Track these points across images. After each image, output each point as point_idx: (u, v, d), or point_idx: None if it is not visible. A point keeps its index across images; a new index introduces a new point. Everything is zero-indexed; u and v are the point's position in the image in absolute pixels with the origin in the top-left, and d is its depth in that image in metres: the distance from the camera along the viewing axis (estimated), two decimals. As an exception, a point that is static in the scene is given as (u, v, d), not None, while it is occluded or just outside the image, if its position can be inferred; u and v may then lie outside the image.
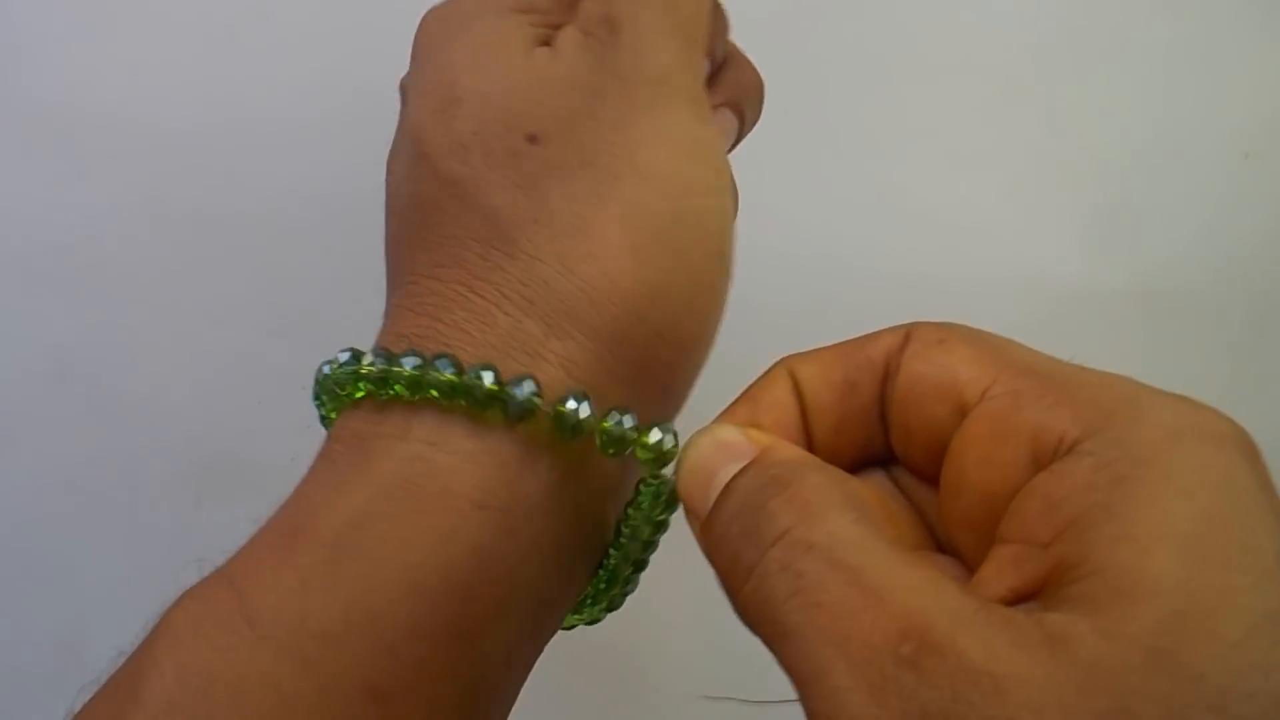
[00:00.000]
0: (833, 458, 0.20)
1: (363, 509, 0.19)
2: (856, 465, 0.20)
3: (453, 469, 0.20)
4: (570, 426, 0.19)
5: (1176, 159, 0.43)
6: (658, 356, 0.21)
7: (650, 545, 0.22)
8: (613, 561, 0.22)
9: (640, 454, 0.20)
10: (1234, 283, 0.43)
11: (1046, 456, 0.17)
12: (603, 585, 0.23)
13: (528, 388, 0.19)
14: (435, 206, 0.22)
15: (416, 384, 0.19)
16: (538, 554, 0.20)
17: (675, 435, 0.20)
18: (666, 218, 0.21)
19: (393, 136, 0.26)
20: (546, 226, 0.21)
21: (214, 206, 0.37)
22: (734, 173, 0.24)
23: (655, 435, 0.20)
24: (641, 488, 0.21)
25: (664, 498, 0.20)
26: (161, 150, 0.37)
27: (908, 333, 0.20)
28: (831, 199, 0.41)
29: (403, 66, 0.40)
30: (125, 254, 0.37)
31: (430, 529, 0.19)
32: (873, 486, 0.20)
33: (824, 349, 0.20)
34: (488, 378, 0.19)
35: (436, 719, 0.19)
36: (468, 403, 0.19)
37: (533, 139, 0.21)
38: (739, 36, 0.37)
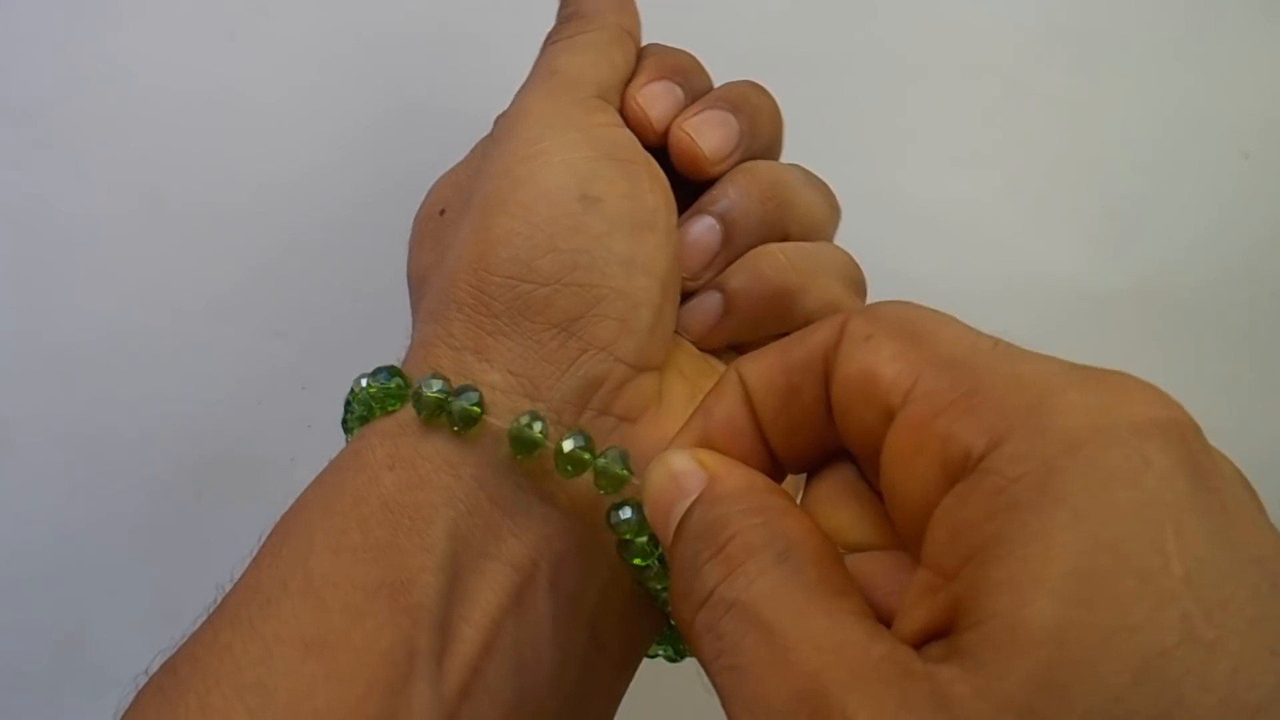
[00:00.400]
0: (793, 458, 0.20)
1: (305, 496, 0.22)
2: (823, 457, 0.20)
3: (369, 445, 0.23)
4: (427, 404, 0.22)
5: (1177, 159, 0.43)
6: (524, 296, 0.23)
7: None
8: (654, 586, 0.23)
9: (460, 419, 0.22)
10: (1234, 283, 0.43)
11: (956, 472, 0.16)
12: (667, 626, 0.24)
13: (434, 384, 0.22)
14: (411, 281, 0.28)
15: (365, 401, 0.23)
16: (454, 502, 0.22)
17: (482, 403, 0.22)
18: (506, 186, 0.25)
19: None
20: (441, 261, 0.25)
21: (214, 206, 0.37)
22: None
23: (470, 397, 0.22)
24: (614, 520, 0.23)
25: (632, 530, 0.22)
26: (161, 150, 0.37)
27: (841, 326, 0.19)
28: (831, 199, 0.41)
29: (402, 66, 0.39)
30: (125, 253, 0.37)
31: (349, 492, 0.22)
32: (830, 486, 0.20)
33: (768, 349, 0.20)
34: (375, 380, 0.23)
35: (382, 670, 0.20)
36: (383, 404, 0.23)
37: (441, 213, 0.27)
38: (739, 35, 0.37)
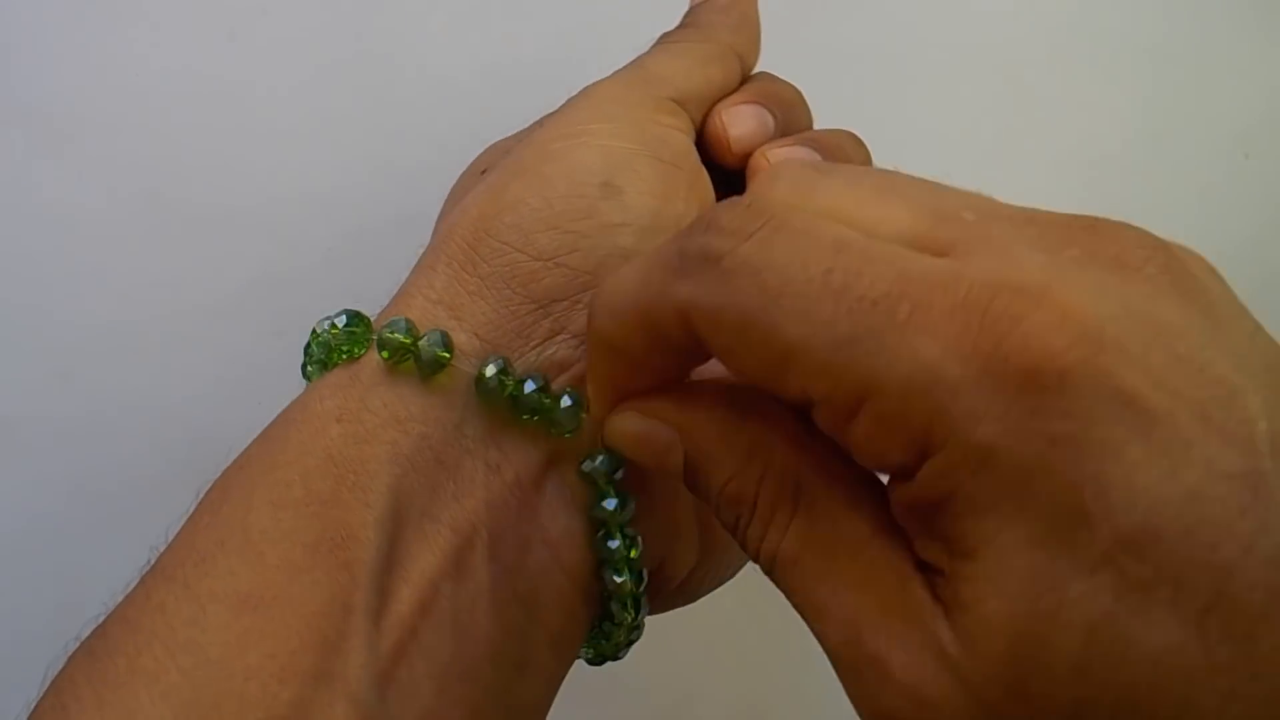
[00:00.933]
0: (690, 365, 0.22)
1: (249, 451, 0.22)
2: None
3: (319, 396, 0.22)
4: (388, 344, 0.22)
5: (1177, 159, 0.43)
6: (513, 265, 0.23)
7: (628, 548, 0.23)
8: (609, 554, 0.23)
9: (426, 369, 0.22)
10: (1234, 283, 0.43)
11: (890, 468, 0.18)
12: (613, 610, 0.24)
13: (400, 325, 0.22)
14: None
15: (325, 344, 0.23)
16: (399, 459, 0.22)
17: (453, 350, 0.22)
18: (535, 157, 0.25)
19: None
20: (450, 214, 0.25)
21: (214, 206, 0.37)
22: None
23: (435, 339, 0.22)
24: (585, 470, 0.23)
25: (605, 479, 0.23)
26: (161, 150, 0.37)
27: (685, 317, 0.19)
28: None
29: (402, 66, 0.39)
30: (125, 253, 0.37)
31: (294, 444, 0.21)
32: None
33: (618, 306, 0.21)
34: (336, 321, 0.23)
35: (317, 626, 0.19)
36: (342, 349, 0.23)
37: (483, 173, 0.27)
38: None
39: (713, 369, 0.22)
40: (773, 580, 0.21)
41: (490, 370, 0.22)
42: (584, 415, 0.23)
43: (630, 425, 0.22)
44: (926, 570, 0.18)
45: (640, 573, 0.24)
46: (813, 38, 0.41)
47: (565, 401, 0.23)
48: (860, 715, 0.19)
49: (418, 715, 0.20)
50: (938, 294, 0.17)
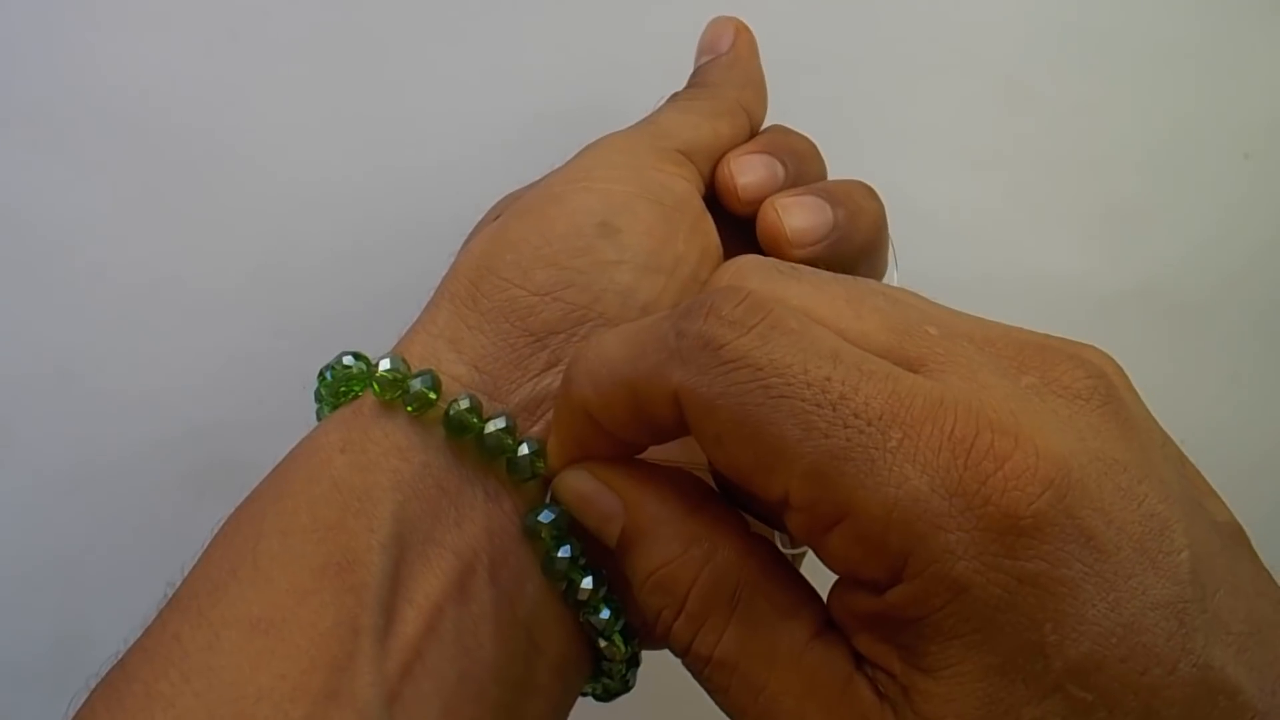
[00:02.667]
0: (659, 439, 0.22)
1: (260, 487, 0.22)
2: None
3: (324, 431, 0.23)
4: (381, 381, 0.23)
5: (1178, 159, 0.43)
6: (512, 300, 0.24)
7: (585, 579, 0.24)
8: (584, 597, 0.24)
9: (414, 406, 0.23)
10: (1235, 283, 0.43)
11: (862, 580, 0.19)
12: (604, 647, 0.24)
13: (383, 364, 0.23)
14: None
15: (332, 388, 0.24)
16: (401, 486, 0.22)
17: (433, 383, 0.23)
18: (538, 200, 0.26)
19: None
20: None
21: (214, 206, 0.37)
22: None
23: (423, 381, 0.23)
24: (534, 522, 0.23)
25: (555, 533, 0.23)
26: (162, 149, 0.37)
27: (675, 399, 0.20)
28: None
29: (402, 66, 0.40)
30: (125, 254, 0.37)
31: (301, 475, 0.22)
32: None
33: (604, 372, 0.21)
34: (342, 360, 0.23)
35: (326, 647, 0.20)
36: (347, 387, 0.24)
37: (496, 217, 0.27)
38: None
39: (666, 451, 0.23)
40: (699, 677, 0.21)
41: (458, 407, 0.23)
42: (540, 466, 0.23)
43: (580, 484, 0.23)
44: (866, 665, 0.20)
45: (621, 620, 0.24)
46: (812, 39, 0.41)
47: (523, 449, 0.23)
48: None
49: None
50: (927, 424, 0.18)
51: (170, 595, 0.21)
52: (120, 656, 0.21)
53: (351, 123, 0.38)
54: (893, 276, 0.31)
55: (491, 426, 0.23)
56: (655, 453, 0.23)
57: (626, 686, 0.25)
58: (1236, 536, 0.21)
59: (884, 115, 0.42)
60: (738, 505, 0.23)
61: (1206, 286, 0.43)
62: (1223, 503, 0.21)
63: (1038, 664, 0.17)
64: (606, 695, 0.25)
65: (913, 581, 0.18)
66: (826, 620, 0.21)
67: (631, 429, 0.21)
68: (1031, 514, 0.17)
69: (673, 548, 0.21)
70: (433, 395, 0.23)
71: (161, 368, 0.37)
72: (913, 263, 0.42)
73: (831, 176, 0.31)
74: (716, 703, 0.21)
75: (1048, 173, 0.42)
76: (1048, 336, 0.21)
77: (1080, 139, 0.42)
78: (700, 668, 0.21)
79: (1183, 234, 0.43)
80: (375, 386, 0.23)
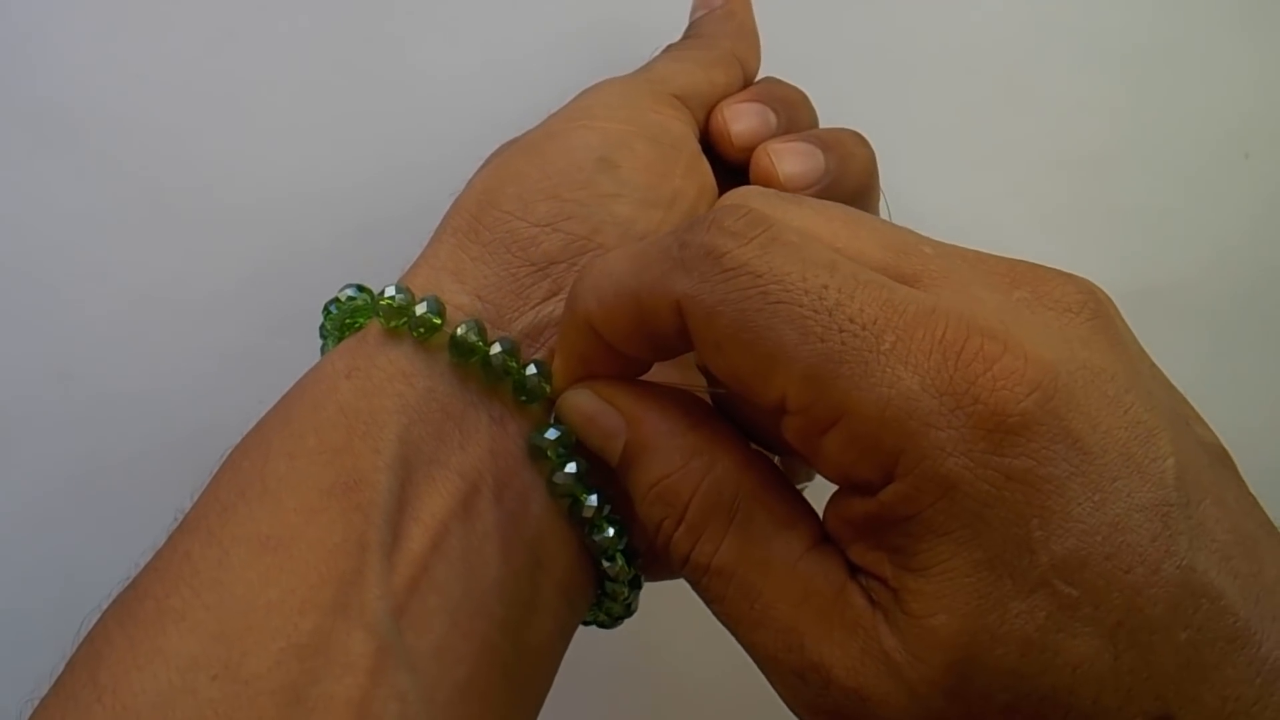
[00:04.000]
0: (663, 353, 0.23)
1: (268, 414, 0.23)
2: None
3: (330, 359, 0.23)
4: (384, 310, 0.23)
5: (1176, 159, 0.43)
6: (513, 231, 0.25)
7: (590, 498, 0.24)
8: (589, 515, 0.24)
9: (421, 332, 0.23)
10: (1234, 282, 0.43)
11: (856, 483, 0.19)
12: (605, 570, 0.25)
13: (388, 292, 0.23)
14: None
15: (337, 321, 0.24)
16: (406, 409, 0.23)
17: (438, 307, 0.23)
18: (538, 137, 0.26)
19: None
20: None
21: (214, 205, 0.37)
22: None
23: (428, 306, 0.23)
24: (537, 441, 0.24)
25: (559, 450, 0.24)
26: (161, 149, 0.37)
27: (678, 307, 0.20)
28: (832, 199, 0.41)
29: (402, 66, 0.39)
30: (125, 253, 0.37)
31: (307, 401, 0.22)
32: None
33: (607, 284, 0.22)
34: (344, 293, 0.24)
35: (334, 563, 0.20)
36: (352, 318, 0.24)
37: (489, 161, 0.28)
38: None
39: (666, 375, 0.24)
40: (697, 587, 0.22)
41: (463, 330, 0.23)
42: (546, 387, 0.24)
43: (583, 402, 0.23)
44: (859, 575, 0.20)
45: (625, 539, 0.25)
46: (811, 39, 0.41)
47: (530, 370, 0.24)
48: (799, 713, 0.21)
49: (431, 645, 0.21)
50: (919, 329, 0.18)
51: (179, 520, 0.22)
52: (132, 578, 0.21)
53: (352, 122, 0.38)
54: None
55: (496, 349, 0.23)
56: (656, 377, 0.24)
57: (629, 611, 0.26)
58: (1223, 458, 0.21)
59: (884, 115, 0.42)
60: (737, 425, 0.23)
61: (1207, 287, 0.43)
62: (1209, 428, 0.22)
63: (1024, 559, 0.18)
64: (610, 620, 0.26)
65: (904, 480, 0.18)
66: (821, 535, 0.21)
67: (634, 342, 0.22)
68: (1019, 413, 0.18)
69: (674, 460, 0.22)
70: (437, 320, 0.23)
71: (162, 368, 0.37)
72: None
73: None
74: (714, 612, 0.22)
75: (1048, 173, 0.42)
76: (1039, 264, 0.22)
77: (1080, 139, 0.42)
78: (699, 577, 0.22)
79: (1183, 234, 0.43)
80: (380, 315, 0.23)
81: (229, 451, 0.23)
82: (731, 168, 0.29)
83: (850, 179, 0.29)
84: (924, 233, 0.43)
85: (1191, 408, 0.22)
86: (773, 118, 0.29)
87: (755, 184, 0.28)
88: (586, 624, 0.26)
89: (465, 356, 0.23)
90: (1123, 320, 0.21)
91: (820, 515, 0.22)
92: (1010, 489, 0.18)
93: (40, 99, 0.37)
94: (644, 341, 0.22)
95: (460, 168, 0.31)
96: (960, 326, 0.18)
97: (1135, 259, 0.42)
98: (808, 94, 0.32)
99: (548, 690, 0.24)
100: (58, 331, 0.37)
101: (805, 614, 0.20)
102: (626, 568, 0.24)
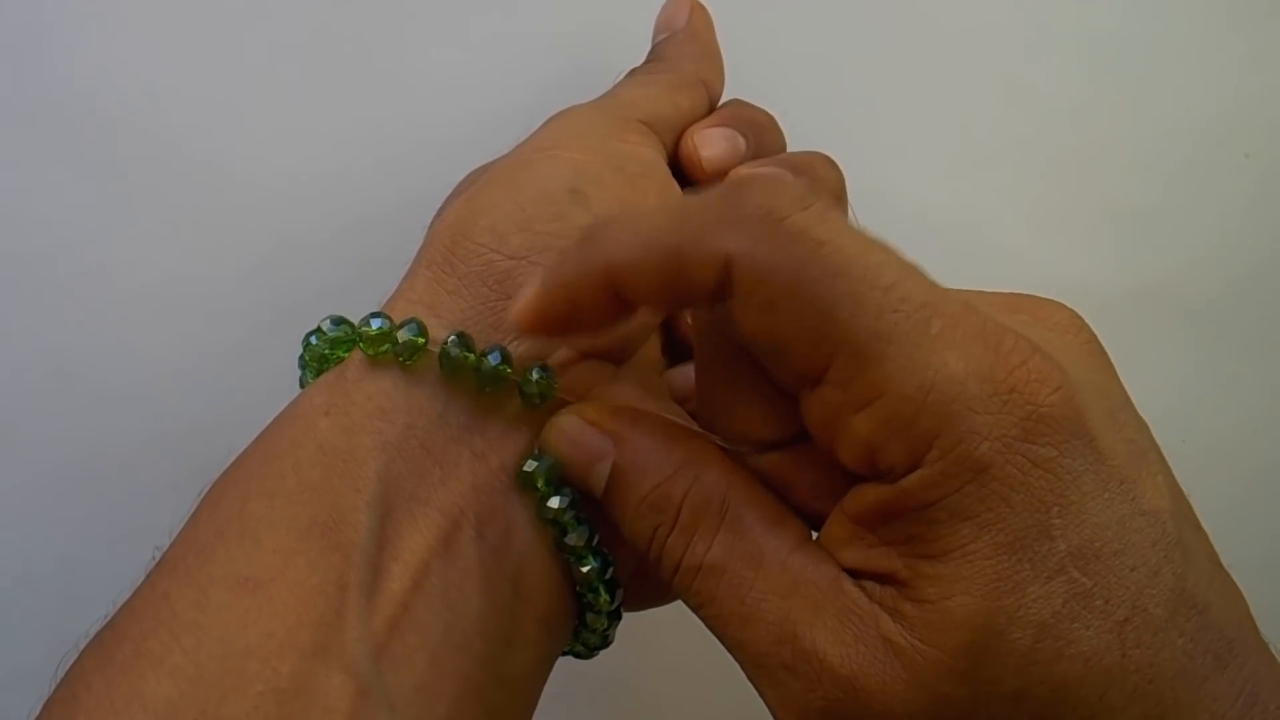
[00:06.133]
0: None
1: (245, 452, 0.23)
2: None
3: (308, 396, 0.23)
4: (366, 338, 0.23)
5: (1178, 159, 0.43)
6: (488, 264, 0.24)
7: (579, 533, 0.24)
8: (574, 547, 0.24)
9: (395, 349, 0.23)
10: (1236, 283, 0.43)
11: (879, 468, 0.20)
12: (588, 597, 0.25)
13: (373, 324, 0.23)
14: None
15: (317, 355, 0.24)
16: (386, 446, 0.22)
17: (420, 328, 0.23)
18: (509, 167, 0.26)
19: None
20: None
21: (214, 205, 0.37)
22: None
23: (411, 329, 0.23)
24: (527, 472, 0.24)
25: (546, 480, 0.24)
26: (162, 150, 0.37)
27: (725, 266, 0.20)
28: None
29: (402, 66, 0.39)
30: (125, 253, 0.37)
31: (286, 439, 0.22)
32: (727, 390, 0.23)
33: (638, 235, 0.21)
34: (323, 325, 0.24)
35: (313, 604, 0.20)
36: (332, 350, 0.24)
37: (459, 191, 0.29)
38: (739, 34, 0.37)
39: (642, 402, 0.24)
40: (688, 593, 0.22)
41: (452, 343, 0.23)
42: (553, 388, 0.24)
43: (569, 426, 0.23)
44: (855, 576, 0.20)
45: (609, 570, 0.25)
46: (811, 39, 0.41)
47: (534, 374, 0.24)
48: (786, 716, 0.21)
49: (412, 685, 0.21)
50: (964, 318, 0.19)
51: (157, 558, 0.21)
52: (109, 617, 0.21)
53: (352, 122, 0.38)
54: None
55: (491, 359, 0.23)
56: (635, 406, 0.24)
57: (606, 642, 0.26)
58: (1187, 502, 0.22)
59: (884, 116, 0.42)
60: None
61: (1207, 287, 0.43)
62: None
63: (1044, 545, 0.18)
64: (587, 651, 0.26)
65: (934, 465, 0.19)
66: (808, 536, 0.22)
67: (657, 294, 0.21)
68: (1049, 404, 0.18)
69: (663, 469, 0.22)
70: (421, 340, 0.23)
71: (161, 366, 0.37)
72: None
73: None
74: (704, 618, 0.22)
75: (1048, 173, 0.42)
76: (1027, 293, 0.23)
77: (1080, 139, 0.42)
78: (690, 580, 0.22)
79: (1183, 234, 0.43)
80: (362, 344, 0.23)
81: (207, 488, 0.22)
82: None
83: None
84: (924, 232, 0.43)
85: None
86: (741, 142, 0.30)
87: None
88: (564, 654, 0.26)
89: (456, 371, 0.23)
90: (1105, 350, 0.22)
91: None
92: (1036, 474, 0.18)
93: (39, 99, 0.37)
94: (669, 295, 0.21)
95: (461, 168, 0.31)
96: (994, 324, 0.19)
97: (1134, 260, 0.42)
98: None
99: (529, 718, 0.24)
100: (56, 329, 0.37)
101: (797, 604, 0.20)
102: (609, 599, 0.24)
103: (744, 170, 0.28)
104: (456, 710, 0.22)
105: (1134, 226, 0.42)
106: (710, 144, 0.29)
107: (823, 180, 0.29)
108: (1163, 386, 0.44)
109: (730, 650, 0.21)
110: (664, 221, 0.21)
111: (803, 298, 0.19)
